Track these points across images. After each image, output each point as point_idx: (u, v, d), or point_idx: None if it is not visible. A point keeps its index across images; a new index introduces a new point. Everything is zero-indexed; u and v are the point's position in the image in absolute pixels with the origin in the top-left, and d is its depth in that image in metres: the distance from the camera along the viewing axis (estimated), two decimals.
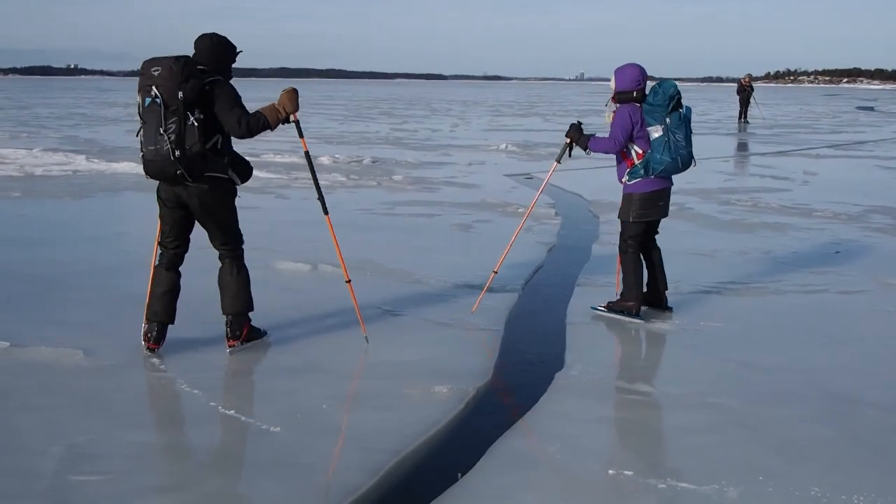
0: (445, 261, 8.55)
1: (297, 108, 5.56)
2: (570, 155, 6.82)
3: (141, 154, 5.34)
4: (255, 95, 76.45)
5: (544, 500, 3.87)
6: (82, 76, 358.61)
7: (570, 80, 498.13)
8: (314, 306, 6.82)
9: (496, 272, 7.03)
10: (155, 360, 5.53)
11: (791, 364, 5.71)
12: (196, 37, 5.46)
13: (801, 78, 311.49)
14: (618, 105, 6.47)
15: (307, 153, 6.00)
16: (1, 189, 13.26)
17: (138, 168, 16.11)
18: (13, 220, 10.87)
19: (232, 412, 4.73)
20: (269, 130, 5.46)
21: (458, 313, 6.74)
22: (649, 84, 6.49)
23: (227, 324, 5.73)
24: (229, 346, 5.74)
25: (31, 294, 7.08)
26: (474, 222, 10.94)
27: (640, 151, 6.38)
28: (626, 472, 4.11)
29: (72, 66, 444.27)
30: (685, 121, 6.35)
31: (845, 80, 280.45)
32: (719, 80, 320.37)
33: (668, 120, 6.27)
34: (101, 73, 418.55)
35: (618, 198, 6.74)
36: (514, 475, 4.11)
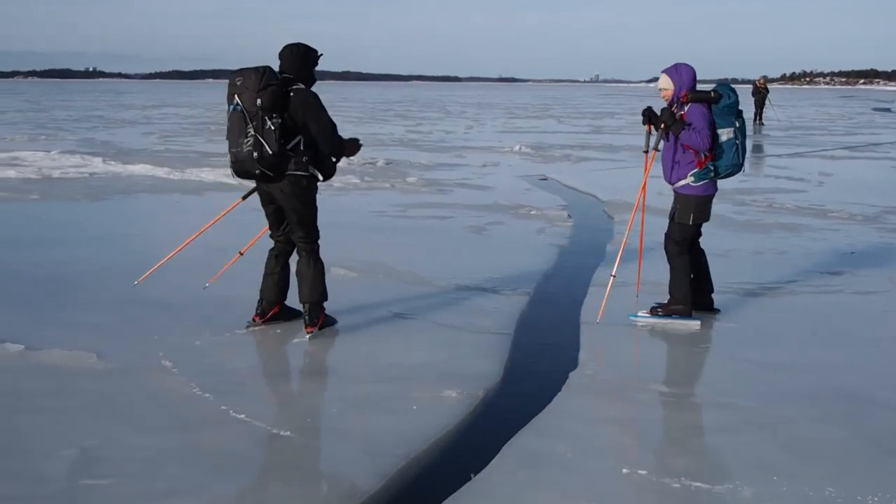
0: (457, 263, 8.53)
1: (352, 154, 6.25)
2: (667, 139, 6.47)
3: (228, 157, 5.85)
4: None
5: (558, 499, 3.87)
6: (100, 79, 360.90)
7: (585, 81, 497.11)
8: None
9: (614, 276, 6.79)
10: (167, 364, 5.54)
11: (805, 364, 5.69)
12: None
13: (816, 79, 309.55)
14: (687, 104, 6.29)
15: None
16: (18, 191, 13.36)
17: (154, 170, 16.29)
18: (30, 223, 10.92)
19: (242, 416, 4.72)
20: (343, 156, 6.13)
21: (469, 316, 6.71)
22: None
23: (305, 312, 6.12)
24: (307, 332, 6.10)
25: (45, 296, 7.11)
26: (487, 224, 10.91)
27: (710, 154, 6.32)
28: (639, 471, 4.11)
29: (90, 69, 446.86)
30: (745, 125, 6.40)
31: (861, 81, 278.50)
32: (734, 81, 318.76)
33: (737, 123, 6.28)
34: (119, 75, 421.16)
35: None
36: (527, 474, 4.11)
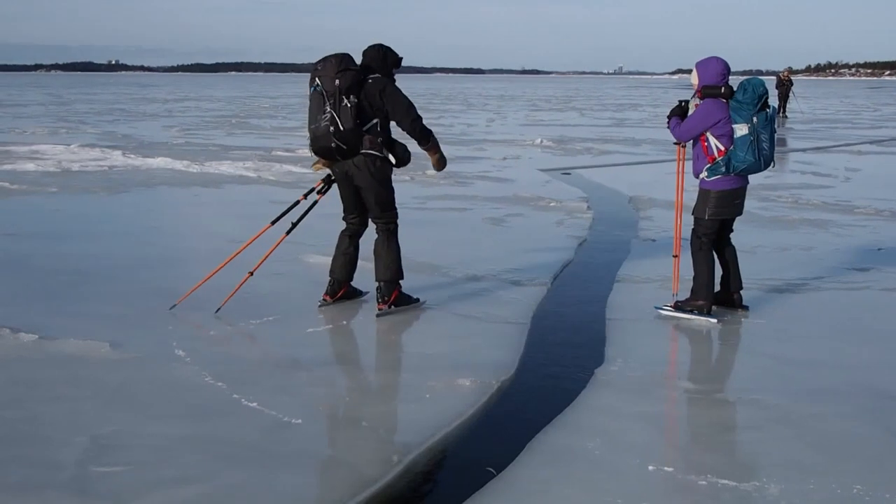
0: (474, 254, 8.47)
1: (437, 165, 6.73)
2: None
3: (307, 135, 6.22)
4: (296, 91, 76.76)
5: (585, 494, 3.83)
6: (123, 72, 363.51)
7: (609, 73, 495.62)
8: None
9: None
10: (180, 353, 5.53)
11: (832, 360, 5.61)
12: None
13: (842, 71, 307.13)
14: (702, 100, 6.29)
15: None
16: (37, 184, 13.40)
17: (173, 163, 16.31)
18: (48, 215, 10.96)
19: (255, 404, 4.71)
20: (422, 144, 6.46)
21: (485, 307, 6.68)
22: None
23: (377, 289, 6.41)
24: (378, 309, 6.36)
25: (62, 287, 7.12)
26: (506, 216, 10.84)
27: (722, 148, 6.21)
28: (666, 468, 4.06)
29: (113, 63, 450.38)
30: (770, 121, 6.22)
31: (888, 72, 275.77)
32: (759, 73, 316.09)
33: (755, 119, 6.13)
34: (142, 68, 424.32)
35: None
36: (555, 469, 4.08)
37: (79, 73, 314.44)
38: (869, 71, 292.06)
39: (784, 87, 33.29)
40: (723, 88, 6.19)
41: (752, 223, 10.36)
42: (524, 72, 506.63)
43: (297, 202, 6.72)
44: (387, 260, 6.36)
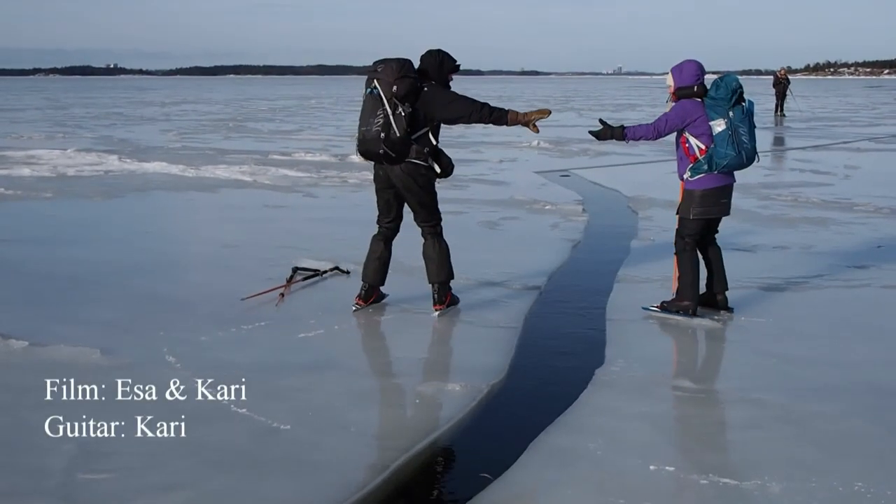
0: (468, 258, 8.33)
1: (539, 117, 6.25)
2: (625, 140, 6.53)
3: (356, 136, 6.24)
4: (294, 93, 76.53)
5: (587, 495, 3.83)
6: (121, 75, 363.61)
7: (608, 74, 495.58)
8: (333, 304, 6.76)
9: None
10: (171, 359, 5.48)
11: (833, 358, 5.60)
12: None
13: (841, 70, 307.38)
14: (677, 101, 6.31)
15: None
16: (33, 189, 13.33)
17: (169, 168, 16.25)
18: (43, 221, 10.90)
19: (244, 410, 4.68)
20: (504, 125, 6.19)
21: (477, 311, 6.64)
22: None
23: (434, 291, 6.50)
24: (436, 310, 6.46)
25: (55, 293, 7.07)
26: (501, 220, 10.78)
27: (703, 147, 6.20)
28: (667, 467, 4.06)
29: (111, 66, 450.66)
30: (748, 115, 6.20)
31: (887, 71, 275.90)
32: (758, 72, 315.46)
33: (730, 114, 6.12)
34: (141, 72, 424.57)
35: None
36: (556, 470, 4.09)
37: (77, 76, 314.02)
38: (868, 70, 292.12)
39: (781, 85, 33.32)
40: (696, 88, 6.21)
41: (752, 222, 10.33)
42: (523, 73, 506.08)
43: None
44: (438, 261, 6.45)
